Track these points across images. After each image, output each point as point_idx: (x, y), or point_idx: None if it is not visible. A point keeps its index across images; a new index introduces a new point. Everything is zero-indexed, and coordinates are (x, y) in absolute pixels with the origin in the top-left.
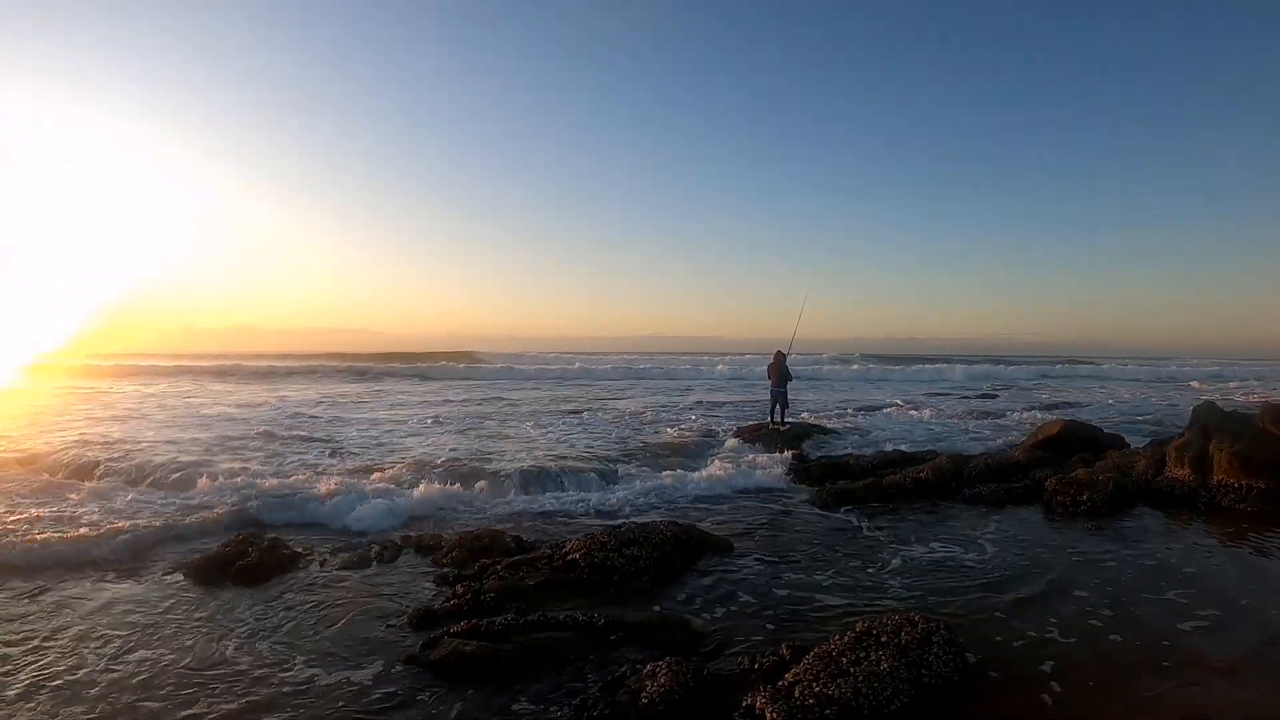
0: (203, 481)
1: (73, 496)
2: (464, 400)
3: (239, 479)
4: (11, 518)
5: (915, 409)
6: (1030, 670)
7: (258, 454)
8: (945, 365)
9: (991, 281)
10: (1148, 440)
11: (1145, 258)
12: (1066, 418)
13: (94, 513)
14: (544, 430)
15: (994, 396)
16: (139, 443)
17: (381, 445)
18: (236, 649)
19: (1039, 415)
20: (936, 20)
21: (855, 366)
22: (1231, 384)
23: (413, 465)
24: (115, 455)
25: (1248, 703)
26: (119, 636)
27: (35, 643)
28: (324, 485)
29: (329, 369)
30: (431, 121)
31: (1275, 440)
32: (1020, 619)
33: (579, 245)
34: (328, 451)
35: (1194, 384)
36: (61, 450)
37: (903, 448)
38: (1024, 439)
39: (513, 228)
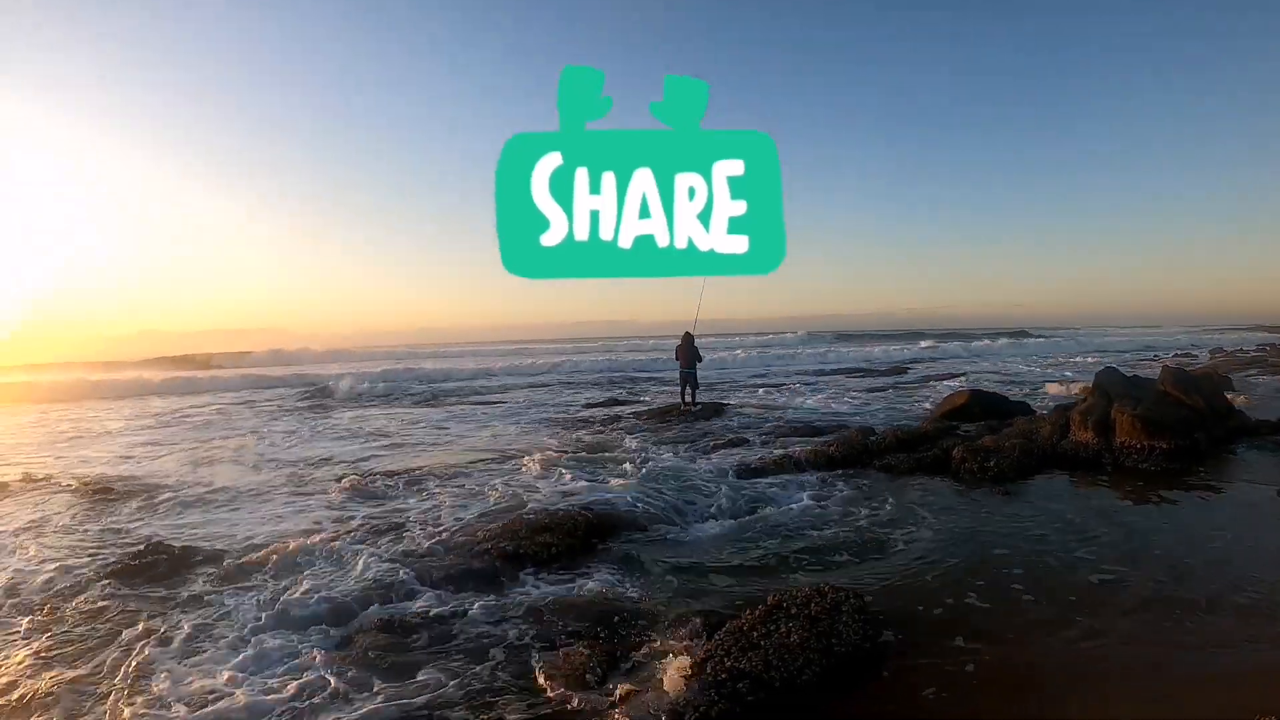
0: None
1: None
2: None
3: None
4: None
5: (831, 385)
6: (943, 634)
7: None
8: (873, 342)
9: (942, 257)
10: (1054, 406)
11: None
12: (974, 387)
13: None
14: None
15: (904, 371)
16: None
17: None
18: None
19: (951, 386)
20: None
21: (771, 350)
22: (1126, 354)
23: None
24: None
25: (1145, 649)
26: None
27: None
28: None
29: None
30: (340, 110)
31: (1175, 402)
32: (934, 585)
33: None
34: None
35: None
36: None
37: (814, 422)
38: (933, 409)
39: (424, 217)
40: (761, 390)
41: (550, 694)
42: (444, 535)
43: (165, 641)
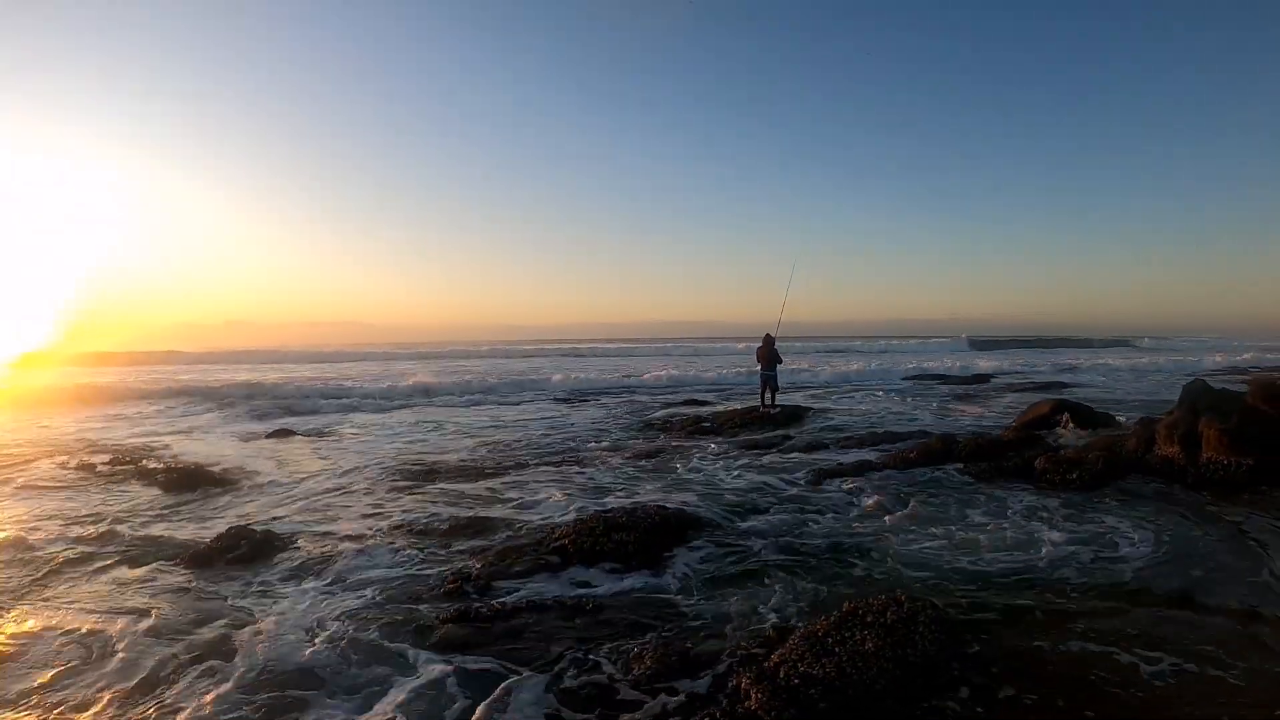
0: None
1: None
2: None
3: None
4: None
5: (922, 392)
6: (1021, 645)
7: None
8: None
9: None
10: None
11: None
12: (1058, 397)
13: None
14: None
15: (986, 380)
16: None
17: None
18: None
19: (1033, 396)
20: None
21: (844, 363)
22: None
23: None
24: None
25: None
26: None
27: None
28: None
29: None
30: (419, 120)
31: (1264, 417)
32: (1008, 596)
33: (565, 233)
34: None
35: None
36: None
37: (895, 429)
38: (1016, 419)
39: (499, 219)
40: (848, 396)
41: (619, 693)
42: (521, 532)
43: (243, 623)
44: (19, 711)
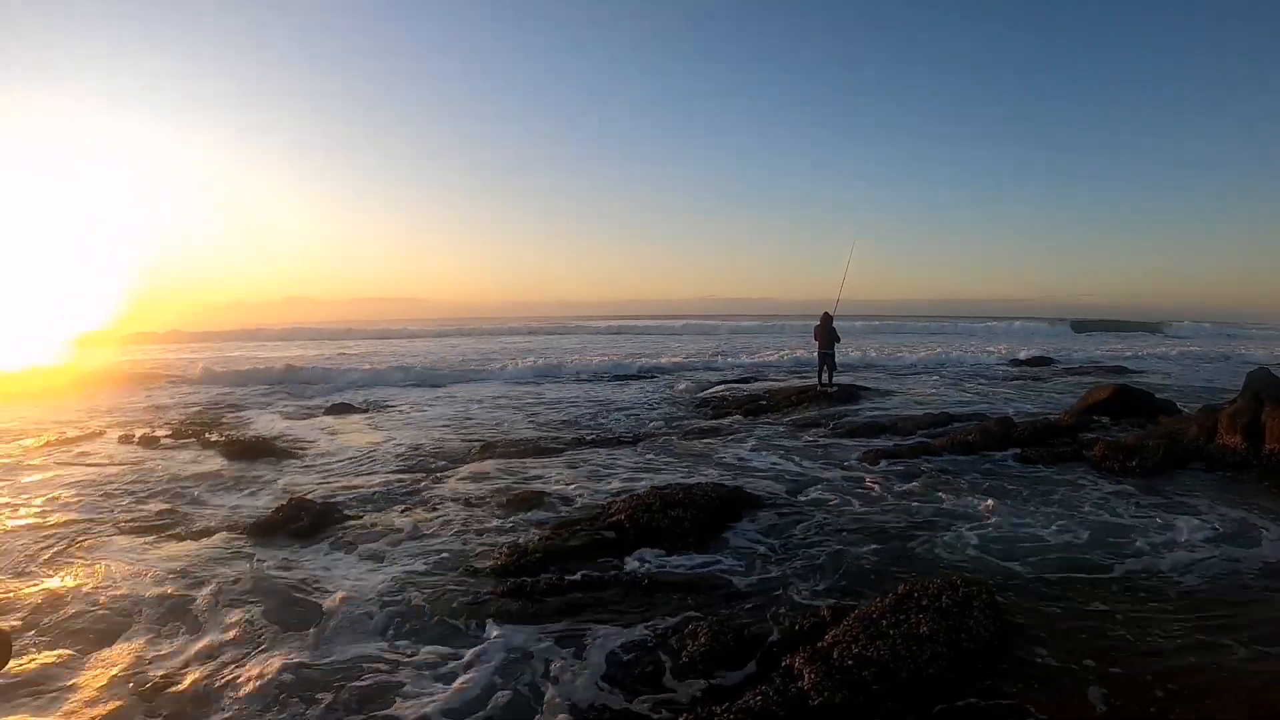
0: None
1: None
2: None
3: None
4: None
5: (971, 374)
6: (1073, 640)
7: None
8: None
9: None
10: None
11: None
12: (1119, 382)
13: None
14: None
15: (1048, 363)
16: None
17: None
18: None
19: (1094, 380)
20: None
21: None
22: None
23: None
24: None
25: None
26: None
27: None
28: None
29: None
30: (476, 98)
31: None
32: (1067, 584)
33: (621, 210)
34: None
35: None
36: None
37: (951, 411)
38: (1075, 403)
39: (555, 196)
40: (909, 377)
41: (672, 670)
42: (577, 507)
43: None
44: (114, 673)
